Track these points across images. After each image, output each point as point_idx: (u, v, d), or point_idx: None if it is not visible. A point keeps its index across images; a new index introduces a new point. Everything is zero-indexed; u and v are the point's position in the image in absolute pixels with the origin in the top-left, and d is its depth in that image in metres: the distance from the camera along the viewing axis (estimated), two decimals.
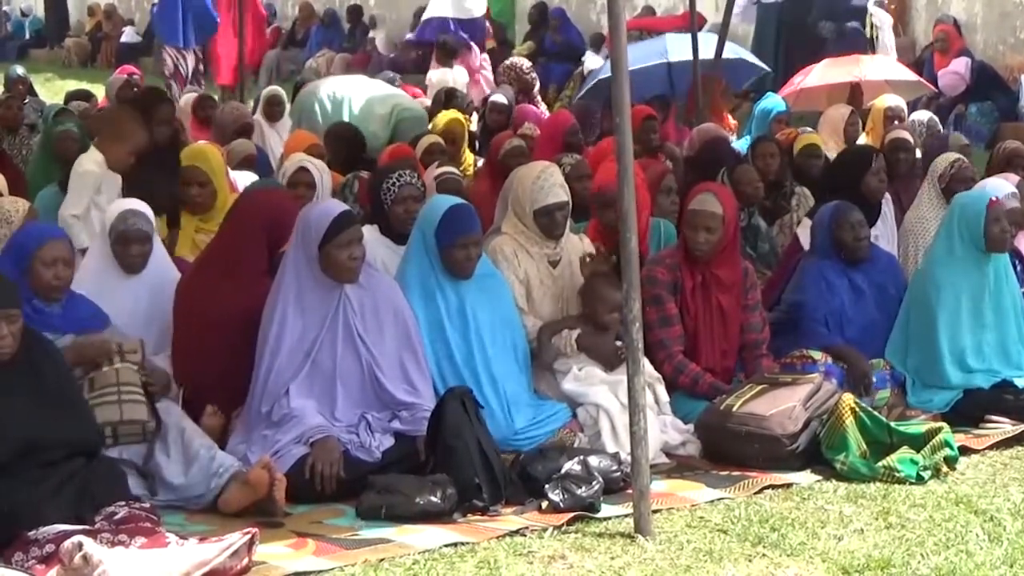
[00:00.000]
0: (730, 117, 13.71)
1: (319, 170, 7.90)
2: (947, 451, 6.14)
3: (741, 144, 11.16)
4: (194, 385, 6.11)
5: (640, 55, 14.11)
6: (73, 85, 18.12)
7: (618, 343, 6.48)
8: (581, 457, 5.75)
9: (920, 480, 5.97)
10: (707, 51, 12.89)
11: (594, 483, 5.62)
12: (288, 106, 12.47)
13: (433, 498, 5.47)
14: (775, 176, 9.06)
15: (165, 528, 5.14)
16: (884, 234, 8.21)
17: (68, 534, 4.87)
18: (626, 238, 5.41)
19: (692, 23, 13.18)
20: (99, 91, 15.32)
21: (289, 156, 8.66)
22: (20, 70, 15.82)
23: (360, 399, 5.99)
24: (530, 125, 11.45)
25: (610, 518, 5.52)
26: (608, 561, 5.12)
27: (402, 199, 6.93)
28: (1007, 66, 16.87)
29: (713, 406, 6.35)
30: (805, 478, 6.04)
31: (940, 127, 11.83)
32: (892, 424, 6.32)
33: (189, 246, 7.64)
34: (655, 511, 5.49)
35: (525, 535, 5.34)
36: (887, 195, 8.39)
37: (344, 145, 10.01)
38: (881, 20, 16.50)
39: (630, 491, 5.48)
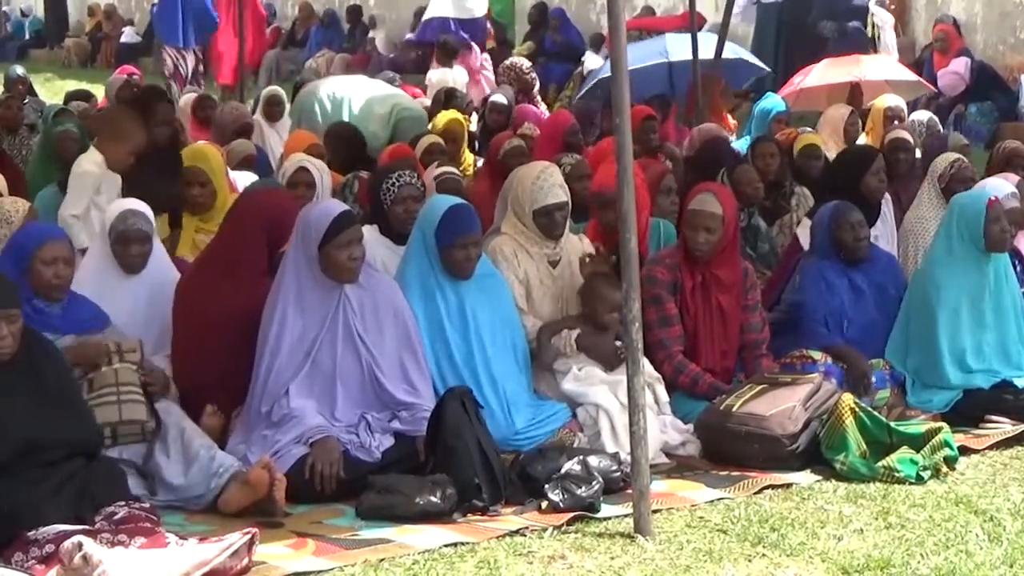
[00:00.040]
0: (730, 117, 13.71)
1: (319, 170, 7.91)
2: (947, 451, 6.14)
3: (741, 144, 11.16)
4: (194, 385, 6.11)
5: (640, 55, 14.11)
6: (73, 85, 18.11)
7: (618, 343, 6.48)
8: (581, 457, 5.75)
9: (920, 480, 5.97)
10: (707, 51, 12.89)
11: (594, 483, 5.62)
12: (288, 106, 12.47)
13: (433, 498, 5.47)
14: (775, 176, 9.06)
15: (165, 528, 5.15)
16: (884, 234, 8.21)
17: (68, 534, 4.87)
18: (626, 238, 5.41)
19: (692, 23, 13.18)
20: (99, 91, 15.31)
21: (289, 156, 8.66)
22: (20, 70, 15.81)
23: (360, 399, 5.99)
24: (530, 125, 11.45)
25: (610, 518, 5.52)
26: (608, 561, 5.12)
27: (402, 199, 6.93)
28: (1007, 66, 16.87)
29: (713, 406, 6.35)
30: (805, 478, 6.05)
31: (940, 127, 11.83)
32: (892, 424, 6.32)
33: (189, 246, 7.64)
34: (655, 511, 5.49)
35: (525, 535, 5.34)
36: (887, 195, 8.39)
37: (344, 145, 10.02)
38: (883, 20, 16.50)
39: (630, 491, 5.48)
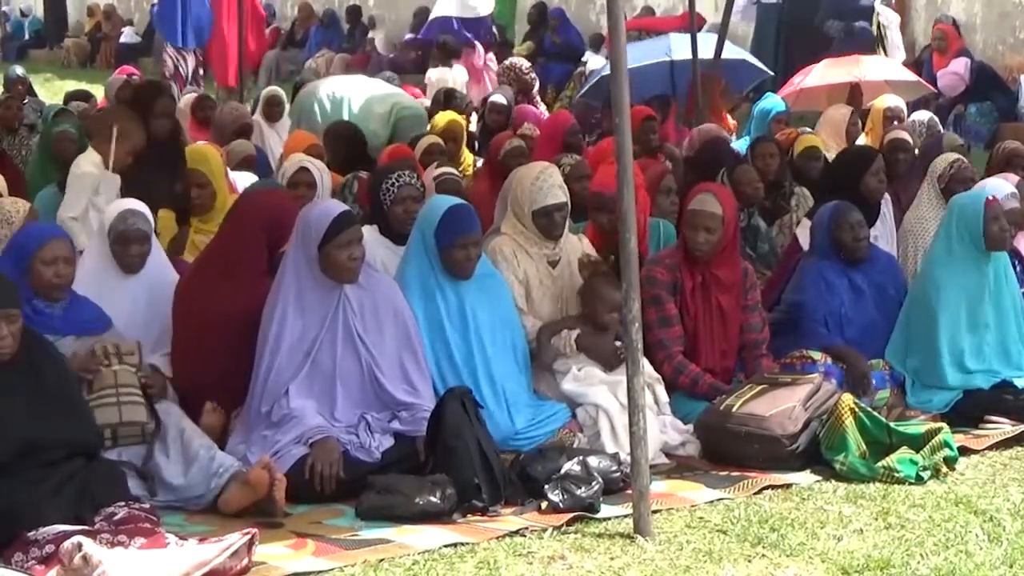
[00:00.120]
0: (730, 117, 13.71)
1: (319, 170, 7.91)
2: (947, 451, 6.14)
3: (740, 144, 11.15)
4: (194, 385, 6.11)
5: (643, 54, 14.11)
6: (72, 85, 18.11)
7: (617, 343, 6.48)
8: (581, 457, 5.75)
9: (919, 480, 5.97)
10: (707, 51, 12.89)
11: (594, 483, 5.62)
12: (287, 106, 12.47)
13: (433, 498, 5.47)
14: (775, 176, 9.06)
15: (165, 529, 5.15)
16: (883, 234, 8.21)
17: (68, 534, 4.87)
18: (626, 238, 5.41)
19: (692, 23, 13.17)
20: (98, 91, 15.30)
21: (289, 156, 8.66)
22: (19, 70, 15.82)
23: (360, 399, 5.99)
24: (529, 125, 11.46)
25: (610, 518, 5.52)
26: (608, 561, 5.12)
27: (401, 199, 6.93)
28: (1006, 66, 16.87)
29: (713, 406, 6.35)
30: (805, 478, 6.05)
31: (940, 127, 11.83)
32: (892, 424, 6.32)
33: (189, 247, 7.65)
34: (655, 511, 5.49)
35: (525, 535, 5.34)
36: (887, 195, 8.39)
37: (343, 144, 10.01)
38: (888, 19, 16.48)
39: (630, 491, 5.48)
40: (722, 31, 13.26)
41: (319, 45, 23.35)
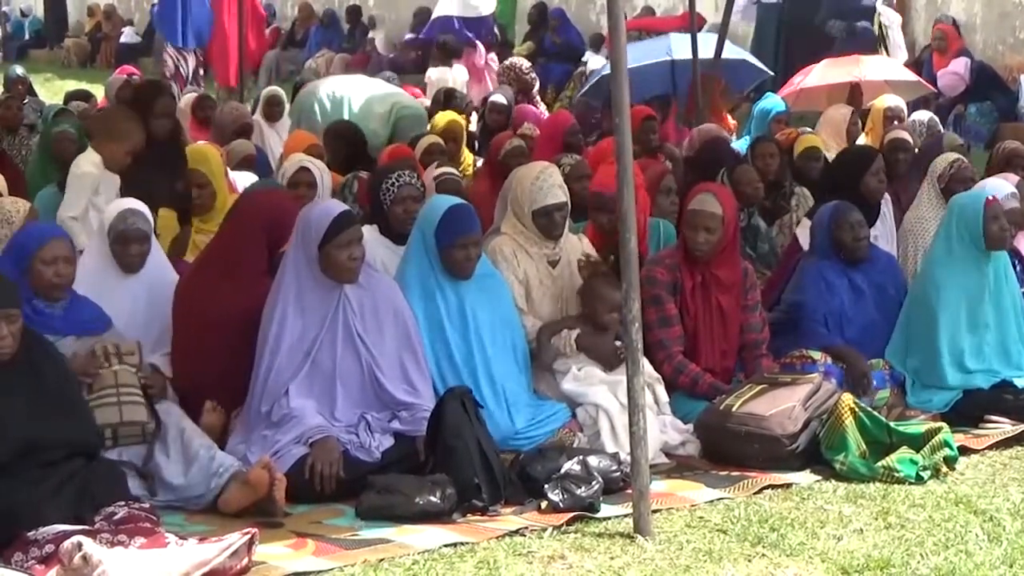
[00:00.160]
0: (730, 117, 13.70)
1: (319, 170, 7.91)
2: (946, 451, 6.14)
3: (740, 144, 11.15)
4: (194, 385, 6.11)
5: (644, 53, 14.11)
6: (72, 85, 18.10)
7: (617, 343, 6.49)
8: (581, 457, 5.75)
9: (919, 480, 5.97)
10: (707, 51, 12.89)
11: (594, 483, 5.62)
12: (287, 106, 12.47)
13: (433, 498, 5.47)
14: (775, 176, 9.06)
15: (165, 528, 5.15)
16: (883, 234, 8.21)
17: (68, 534, 4.87)
18: (626, 238, 5.41)
19: (692, 23, 13.17)
20: (99, 91, 15.31)
21: (289, 156, 8.66)
22: (20, 70, 15.81)
23: (360, 399, 5.99)
24: (529, 125, 11.46)
25: (610, 518, 5.52)
26: (608, 561, 5.12)
27: (401, 199, 6.93)
28: (1006, 66, 16.86)
29: (713, 406, 6.35)
30: (805, 478, 6.05)
31: (940, 127, 11.83)
32: (891, 424, 6.33)
33: (190, 247, 7.66)
34: (655, 511, 5.49)
35: (525, 535, 5.34)
36: (886, 195, 8.40)
37: (343, 144, 10.00)
38: (890, 19, 16.47)
39: (630, 491, 5.48)
40: (722, 31, 13.26)
41: (319, 45, 23.35)
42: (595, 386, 6.41)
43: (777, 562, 5.13)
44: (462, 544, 5.24)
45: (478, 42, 18.03)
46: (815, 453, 6.18)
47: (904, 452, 6.08)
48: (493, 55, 18.14)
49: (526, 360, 6.56)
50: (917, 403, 6.92)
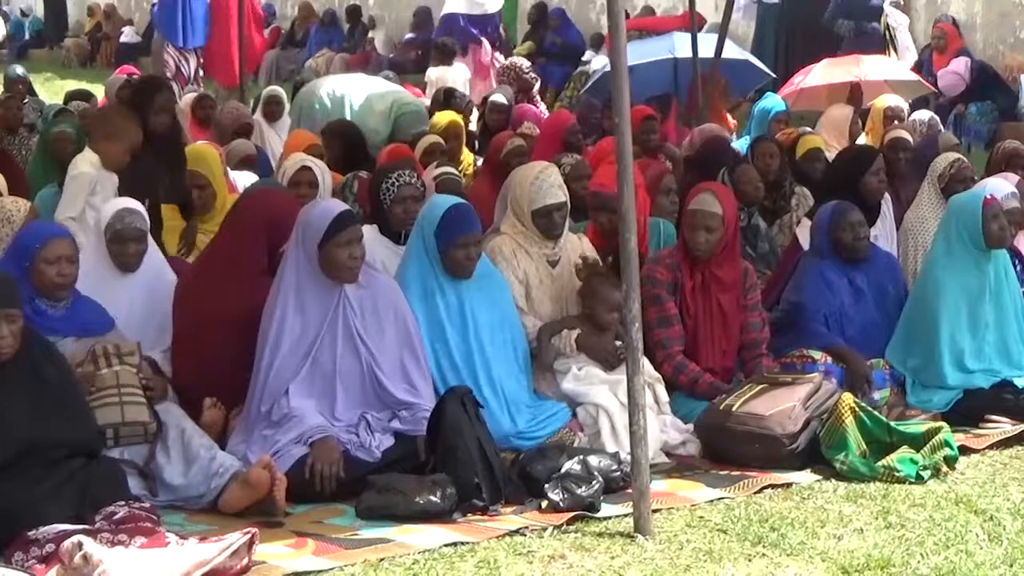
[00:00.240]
0: (730, 117, 13.70)
1: (321, 170, 7.92)
2: (947, 451, 6.14)
3: (740, 144, 11.15)
4: (194, 384, 6.11)
5: (647, 51, 14.10)
6: (73, 85, 18.10)
7: (618, 343, 6.49)
8: (581, 457, 5.76)
9: (920, 480, 5.97)
10: (708, 51, 12.88)
11: (594, 483, 5.62)
12: (288, 106, 12.47)
13: (433, 498, 5.47)
14: (775, 176, 9.06)
15: (165, 528, 5.15)
16: (883, 234, 8.21)
17: (68, 534, 4.87)
18: (626, 238, 5.41)
19: (692, 23, 13.17)
20: (99, 91, 15.30)
21: (289, 156, 8.66)
22: (20, 70, 15.80)
23: (360, 399, 5.99)
24: (529, 124, 11.45)
25: (610, 518, 5.52)
26: (608, 561, 5.12)
27: (401, 199, 6.93)
28: (1007, 66, 16.84)
29: (713, 406, 6.35)
30: (805, 478, 6.05)
31: (941, 127, 11.83)
32: (892, 424, 6.33)
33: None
34: (655, 511, 5.49)
35: (525, 535, 5.34)
36: (887, 195, 8.40)
37: (340, 143, 9.99)
38: (897, 21, 16.44)
39: (630, 491, 5.48)
40: (722, 31, 13.25)
41: (319, 45, 23.33)
42: (595, 386, 6.41)
43: (777, 562, 5.13)
44: (462, 544, 5.24)
45: (483, 39, 18.02)
46: (815, 453, 6.18)
47: (904, 452, 6.08)
48: (499, 54, 18.13)
49: (526, 360, 6.56)
50: (917, 403, 6.92)
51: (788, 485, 5.95)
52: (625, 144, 5.40)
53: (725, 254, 6.80)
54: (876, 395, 6.82)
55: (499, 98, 12.92)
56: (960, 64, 16.15)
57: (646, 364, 6.03)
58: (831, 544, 5.28)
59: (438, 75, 16.82)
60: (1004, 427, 6.69)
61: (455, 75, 16.94)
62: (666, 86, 13.78)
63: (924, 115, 11.84)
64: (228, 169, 8.78)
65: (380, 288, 6.10)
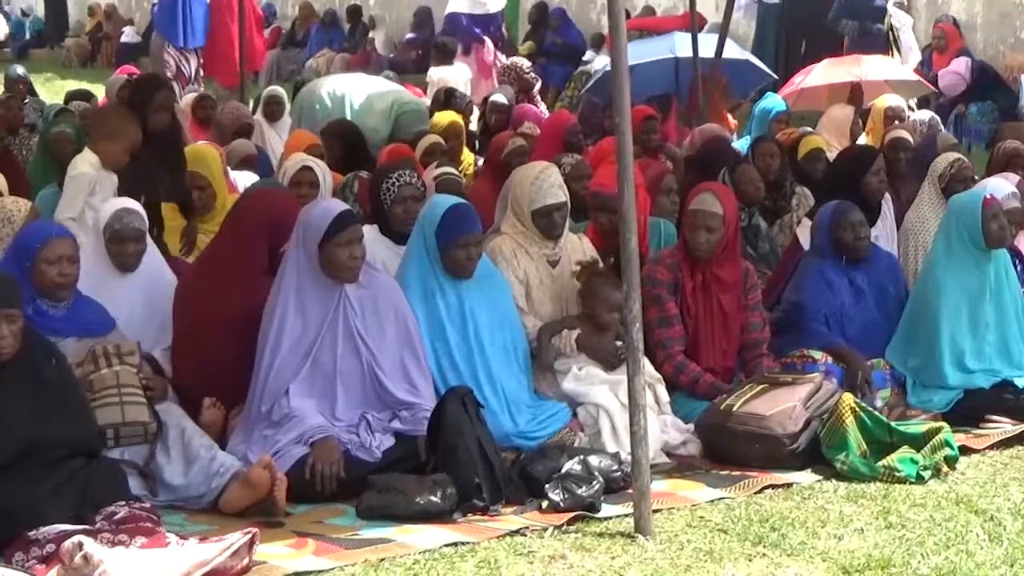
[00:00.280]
0: (730, 117, 13.70)
1: (322, 170, 7.92)
2: (947, 451, 6.14)
3: (741, 144, 11.15)
4: (195, 384, 6.11)
5: (647, 51, 14.10)
6: (73, 85, 18.10)
7: (618, 343, 6.49)
8: (581, 457, 5.75)
9: (920, 480, 5.97)
10: (709, 51, 12.88)
11: (594, 483, 5.62)
12: (288, 106, 12.47)
13: (433, 498, 5.47)
14: (775, 176, 9.06)
15: (165, 528, 5.15)
16: (884, 234, 8.22)
17: (68, 534, 4.87)
18: (626, 238, 5.41)
19: (692, 23, 13.16)
20: (99, 91, 15.31)
21: (290, 156, 8.66)
22: (20, 70, 15.80)
23: (360, 399, 5.99)
24: (530, 124, 11.45)
25: (610, 518, 5.52)
26: (608, 561, 5.12)
27: (402, 199, 6.93)
28: (1007, 66, 16.85)
29: (713, 406, 6.35)
30: (805, 478, 6.05)
31: (941, 127, 11.83)
32: (892, 424, 6.33)
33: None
34: (655, 511, 5.49)
35: (525, 535, 5.34)
36: (887, 195, 8.40)
37: (341, 143, 9.99)
38: (901, 22, 16.44)
39: (630, 491, 5.48)
40: (723, 31, 13.25)
41: (320, 45, 23.33)
42: (596, 386, 6.41)
43: (778, 562, 5.13)
44: (463, 544, 5.24)
45: (486, 38, 18.01)
46: (816, 453, 6.18)
47: (905, 452, 6.08)
48: (501, 54, 18.12)
49: (527, 360, 6.56)
50: (918, 403, 6.92)
51: (789, 485, 5.95)
52: (625, 144, 5.40)
53: (726, 254, 6.80)
54: (878, 400, 6.81)
55: (500, 98, 12.92)
56: (960, 64, 16.15)
57: (647, 364, 6.03)
58: (831, 544, 5.27)
59: (439, 75, 16.82)
60: (1004, 427, 6.69)
61: (456, 75, 16.93)
62: (667, 86, 13.77)
63: (924, 115, 11.85)
64: (228, 169, 8.78)
65: (381, 288, 6.10)
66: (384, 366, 6.01)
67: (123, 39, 25.68)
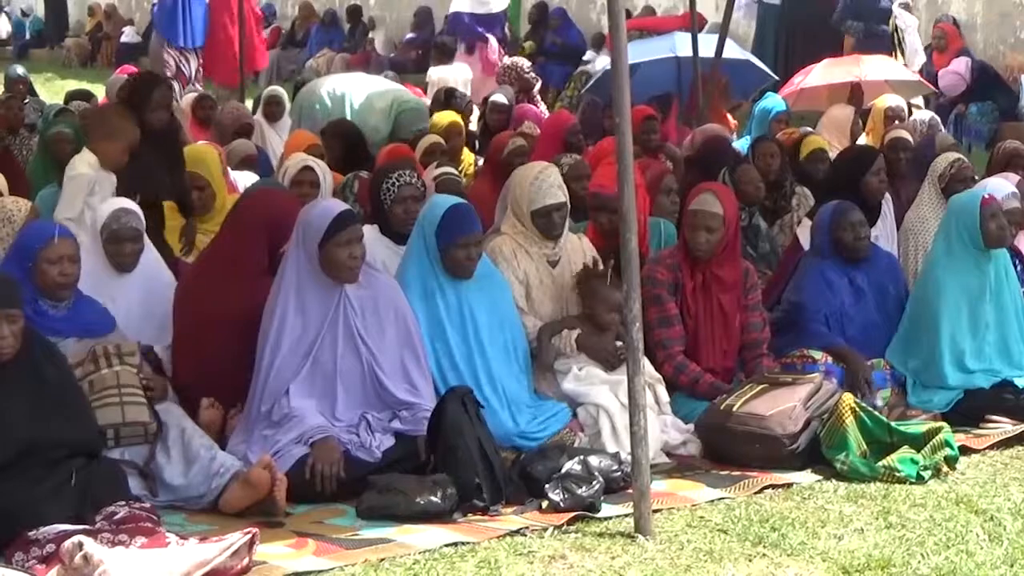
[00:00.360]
0: (730, 117, 13.70)
1: (322, 170, 7.92)
2: (947, 451, 6.14)
3: (741, 144, 11.15)
4: (195, 383, 6.11)
5: (648, 51, 14.10)
6: (73, 85, 18.10)
7: (618, 343, 6.49)
8: (581, 457, 5.75)
9: (920, 480, 5.97)
10: (709, 52, 12.87)
11: (594, 483, 5.62)
12: (288, 106, 12.47)
13: (434, 498, 5.47)
14: (776, 176, 9.06)
15: (165, 528, 5.15)
16: (884, 234, 8.22)
17: (68, 534, 4.87)
18: (626, 238, 5.41)
19: (692, 23, 13.16)
20: (99, 91, 15.30)
21: (291, 155, 8.66)
22: (20, 70, 15.80)
23: (361, 399, 5.99)
24: (530, 124, 11.44)
25: (610, 518, 5.52)
26: (608, 561, 5.12)
27: (402, 199, 6.92)
28: (1007, 66, 16.85)
29: (713, 406, 6.35)
30: (805, 478, 6.05)
31: (941, 127, 11.84)
32: (892, 424, 6.33)
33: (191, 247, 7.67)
34: (655, 511, 5.49)
35: (525, 535, 5.34)
36: (887, 195, 8.40)
37: (340, 142, 9.99)
38: (906, 23, 16.44)
39: (630, 491, 5.48)
40: (723, 31, 13.24)
41: (320, 45, 23.34)
42: (596, 386, 6.41)
43: (778, 562, 5.13)
44: (463, 544, 5.24)
45: (490, 36, 18.01)
46: (816, 453, 6.18)
47: (905, 452, 6.08)
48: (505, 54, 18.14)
49: (527, 360, 6.56)
50: (918, 403, 6.92)
51: (789, 485, 5.96)
52: (625, 144, 5.40)
53: (726, 254, 6.80)
54: (878, 400, 6.81)
55: (500, 98, 12.91)
56: (961, 64, 16.16)
57: (647, 364, 6.03)
58: (831, 544, 5.28)
59: (438, 75, 16.82)
60: (1005, 427, 6.69)
61: (456, 75, 16.93)
62: (670, 85, 13.77)
63: (924, 115, 11.86)
64: (229, 169, 8.78)
65: (381, 288, 6.10)
66: (384, 366, 6.01)
67: (123, 39, 25.69)
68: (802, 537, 5.33)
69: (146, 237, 6.55)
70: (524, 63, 15.62)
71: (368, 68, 18.61)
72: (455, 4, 18.57)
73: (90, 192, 7.67)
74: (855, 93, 13.15)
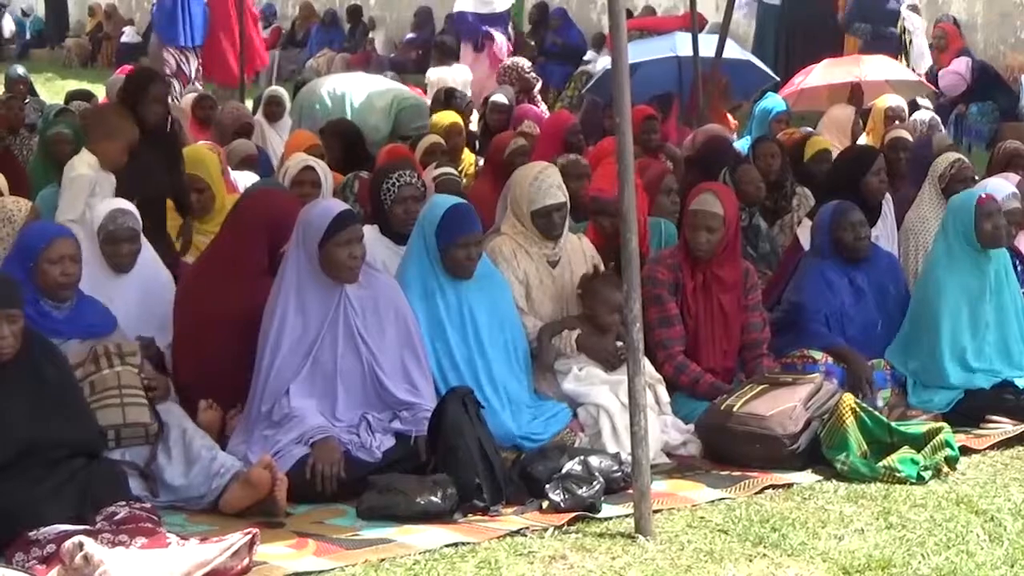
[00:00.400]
0: (730, 117, 13.70)
1: (323, 170, 7.92)
2: (948, 451, 6.14)
3: (741, 144, 11.15)
4: (195, 384, 6.11)
5: (648, 50, 14.10)
6: (74, 85, 18.11)
7: (618, 343, 6.48)
8: (582, 457, 5.75)
9: (921, 480, 5.97)
10: (710, 52, 12.87)
11: (595, 483, 5.62)
12: (288, 106, 12.47)
13: (434, 498, 5.47)
14: (776, 176, 9.06)
15: (166, 528, 5.15)
16: (884, 234, 8.22)
17: (69, 534, 4.87)
18: (626, 238, 5.41)
19: (693, 23, 13.16)
20: (99, 91, 15.31)
21: (291, 155, 8.66)
22: (20, 70, 15.81)
23: (361, 399, 5.99)
24: (530, 124, 11.45)
25: (611, 518, 5.52)
26: (609, 561, 5.12)
27: (402, 199, 6.92)
28: (1007, 66, 16.86)
29: (714, 406, 6.35)
30: (805, 478, 6.05)
31: (941, 127, 11.84)
32: (893, 424, 6.33)
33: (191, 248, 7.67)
34: (656, 511, 5.49)
35: (526, 535, 5.34)
36: (887, 195, 8.40)
37: (340, 142, 9.99)
38: (914, 25, 16.44)
39: (631, 491, 5.48)
40: (723, 31, 13.24)
41: (320, 45, 23.35)
42: (596, 386, 6.41)
43: (778, 562, 5.13)
44: (463, 544, 5.24)
45: (495, 34, 18.01)
46: (816, 453, 6.18)
47: (905, 452, 6.08)
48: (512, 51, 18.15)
49: (527, 360, 6.56)
50: (918, 403, 6.92)
51: (789, 485, 5.96)
52: (625, 144, 5.40)
53: (726, 254, 6.80)
54: (878, 400, 6.81)
55: (500, 98, 12.92)
56: (961, 64, 16.15)
57: (647, 364, 6.03)
58: (832, 544, 5.28)
59: (438, 75, 16.82)
60: (1005, 427, 6.69)
61: (455, 75, 16.93)
62: (670, 85, 13.76)
63: (925, 115, 11.86)
64: (229, 169, 8.77)
65: (381, 288, 6.10)
66: (384, 366, 6.01)
67: (123, 39, 25.70)
68: (802, 537, 5.33)
69: (143, 237, 6.54)
70: (524, 63, 15.62)
71: (368, 68, 18.61)
72: (459, 4, 18.58)
73: (91, 193, 7.67)
74: (855, 93, 13.15)
